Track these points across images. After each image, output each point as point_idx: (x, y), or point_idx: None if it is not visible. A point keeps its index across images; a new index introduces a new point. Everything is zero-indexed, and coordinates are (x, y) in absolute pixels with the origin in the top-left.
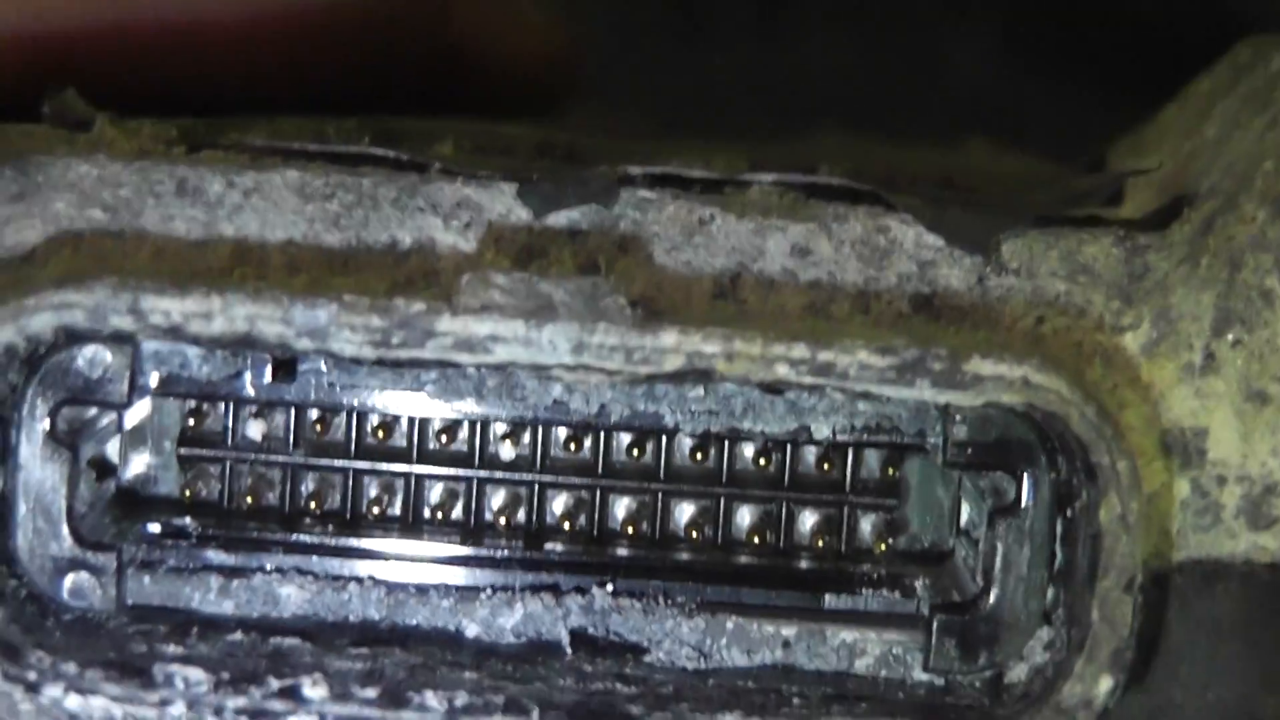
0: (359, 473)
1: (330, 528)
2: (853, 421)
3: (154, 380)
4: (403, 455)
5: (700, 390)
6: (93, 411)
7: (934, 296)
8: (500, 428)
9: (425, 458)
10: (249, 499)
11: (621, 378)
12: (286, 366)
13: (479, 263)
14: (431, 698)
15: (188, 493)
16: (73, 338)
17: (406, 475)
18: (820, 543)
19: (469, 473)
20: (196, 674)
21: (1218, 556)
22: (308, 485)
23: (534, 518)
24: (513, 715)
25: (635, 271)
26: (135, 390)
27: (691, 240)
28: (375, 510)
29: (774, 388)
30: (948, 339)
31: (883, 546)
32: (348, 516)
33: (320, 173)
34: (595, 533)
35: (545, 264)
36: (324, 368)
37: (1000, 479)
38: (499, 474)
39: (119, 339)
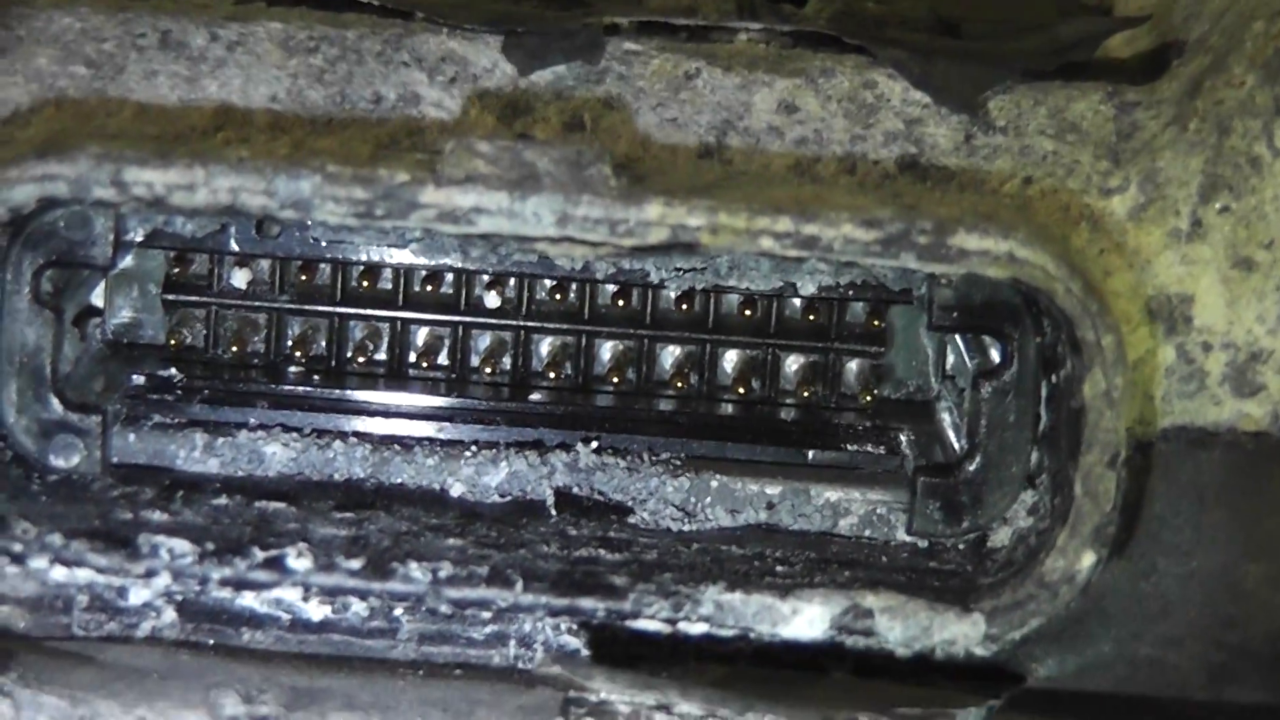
0: (344, 318)
1: (315, 378)
2: (838, 279)
3: (139, 236)
4: (388, 301)
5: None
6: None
7: (920, 156)
8: (485, 277)
9: (411, 303)
10: (234, 346)
11: (605, 250)
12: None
13: (463, 121)
14: (415, 568)
15: (172, 341)
16: (57, 202)
17: (392, 320)
18: (805, 393)
19: (454, 318)
20: (182, 545)
21: (1202, 424)
22: (292, 331)
23: (519, 364)
24: (497, 587)
25: (620, 129)
26: (120, 249)
27: (678, 96)
28: (360, 358)
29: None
30: (934, 205)
31: (868, 396)
32: (333, 364)
33: (304, 24)
34: (580, 380)
35: (530, 122)
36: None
37: (986, 341)
38: (484, 319)
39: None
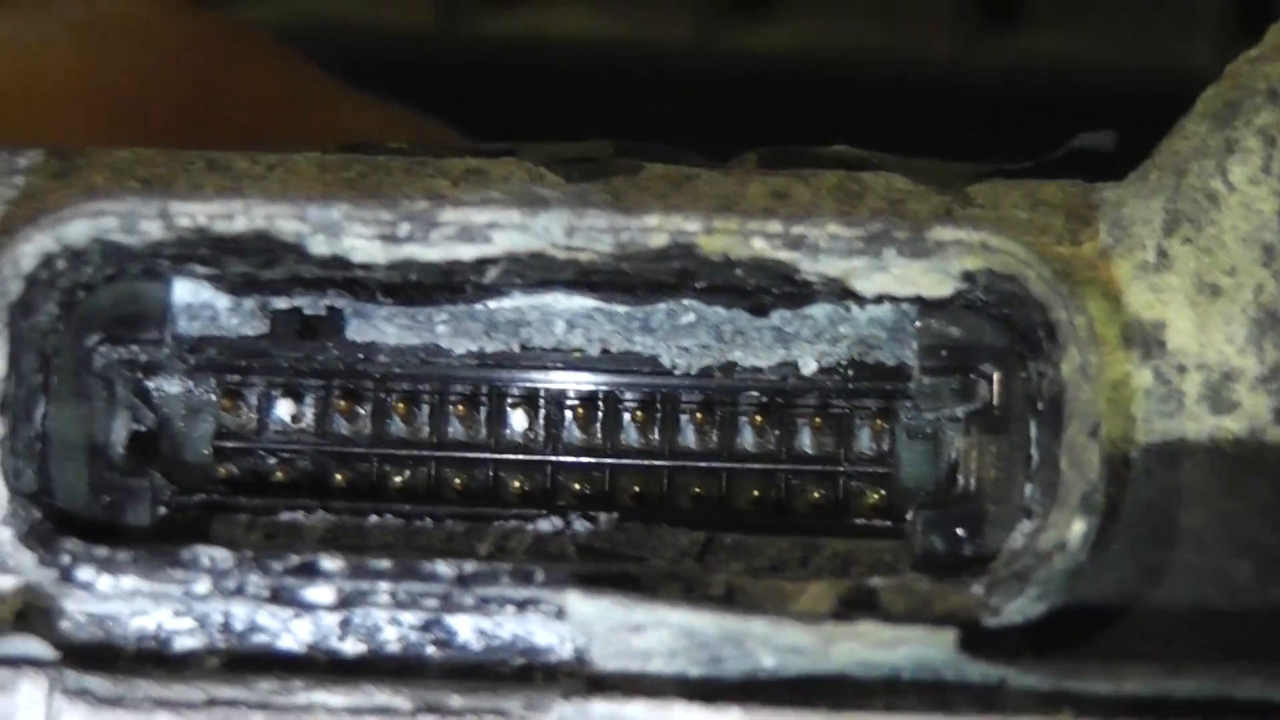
0: (381, 457)
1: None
2: (835, 350)
3: (187, 329)
4: (423, 443)
5: (691, 317)
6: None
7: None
8: (512, 392)
9: (443, 444)
10: (278, 473)
11: (610, 258)
12: (311, 327)
13: None
14: (441, 565)
15: (221, 470)
16: (108, 277)
17: (426, 459)
18: (817, 495)
19: (485, 455)
20: (221, 553)
21: (1182, 435)
22: (333, 465)
23: (545, 491)
24: (518, 580)
25: None
26: (168, 338)
27: (679, 189)
28: (397, 479)
29: (759, 307)
30: None
31: (876, 497)
32: (372, 485)
33: (338, 156)
34: (603, 501)
35: None
36: (345, 319)
37: (976, 385)
38: (512, 456)
39: (152, 274)
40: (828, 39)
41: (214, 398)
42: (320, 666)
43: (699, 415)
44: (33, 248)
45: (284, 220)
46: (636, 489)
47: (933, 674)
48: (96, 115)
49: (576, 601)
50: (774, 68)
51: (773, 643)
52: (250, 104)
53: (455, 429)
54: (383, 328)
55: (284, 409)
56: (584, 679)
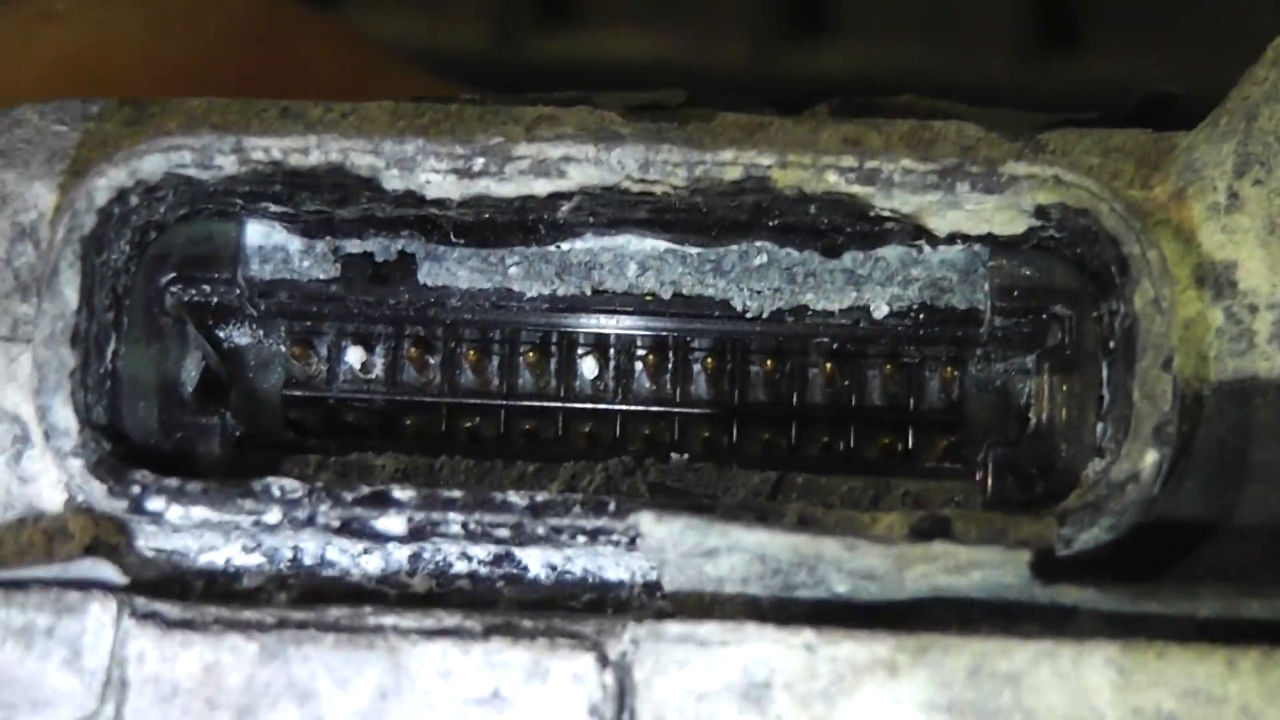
0: (451, 407)
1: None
2: (907, 293)
3: (259, 272)
4: (494, 391)
5: (763, 258)
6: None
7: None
8: (582, 339)
9: (513, 392)
10: (348, 417)
11: (684, 191)
12: (382, 272)
13: None
14: (514, 495)
15: (291, 415)
16: (181, 217)
17: (496, 407)
18: (887, 440)
19: (554, 404)
20: (292, 483)
21: (1254, 374)
22: (403, 411)
23: (615, 438)
24: (590, 510)
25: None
26: (240, 279)
27: (752, 137)
28: (467, 425)
29: (831, 248)
30: None
31: (946, 442)
32: (441, 433)
33: (412, 103)
34: (672, 448)
35: None
36: (416, 263)
37: (1049, 327)
38: (583, 405)
39: (225, 215)
40: (883, 61)
41: (284, 347)
42: (389, 600)
43: (769, 362)
44: (106, 181)
45: (359, 154)
46: (706, 435)
47: (1005, 599)
48: (161, 91)
49: (650, 524)
50: (829, 90)
51: (846, 567)
52: (314, 84)
53: (525, 378)
54: (455, 271)
55: (354, 355)
56: (655, 609)
